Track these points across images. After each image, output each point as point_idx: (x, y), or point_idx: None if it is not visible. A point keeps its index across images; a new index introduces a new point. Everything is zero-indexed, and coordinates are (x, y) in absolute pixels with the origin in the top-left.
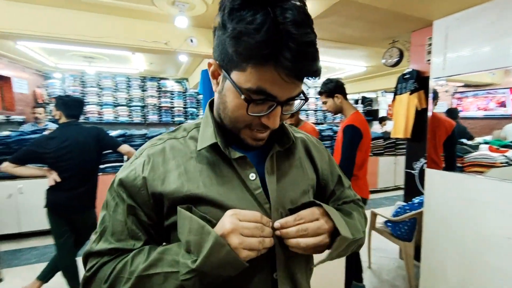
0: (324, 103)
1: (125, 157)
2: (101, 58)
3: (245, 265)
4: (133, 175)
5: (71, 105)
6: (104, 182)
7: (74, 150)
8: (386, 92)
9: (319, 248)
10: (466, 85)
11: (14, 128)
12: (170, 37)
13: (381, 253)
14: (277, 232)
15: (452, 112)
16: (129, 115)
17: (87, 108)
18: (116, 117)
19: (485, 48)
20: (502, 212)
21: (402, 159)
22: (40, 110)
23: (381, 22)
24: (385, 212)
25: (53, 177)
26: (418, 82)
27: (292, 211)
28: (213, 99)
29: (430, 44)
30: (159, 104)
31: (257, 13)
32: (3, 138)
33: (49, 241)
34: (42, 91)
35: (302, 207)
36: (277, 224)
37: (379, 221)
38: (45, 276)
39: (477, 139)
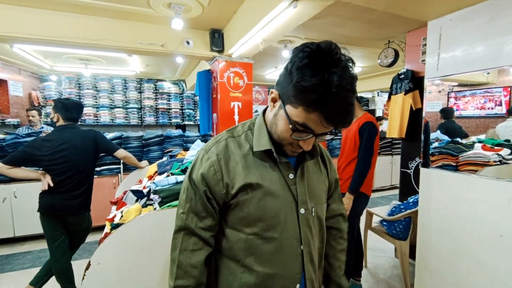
0: None
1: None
2: (97, 61)
3: None
4: (213, 170)
5: (70, 108)
6: (100, 185)
7: (71, 153)
8: (382, 92)
9: None
10: (461, 85)
11: (9, 131)
12: (166, 39)
13: (377, 252)
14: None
15: (446, 112)
16: (126, 117)
17: (84, 110)
18: (112, 119)
19: (479, 48)
20: (495, 210)
21: (398, 159)
22: (34, 112)
23: (377, 23)
24: (382, 211)
25: (47, 181)
26: (413, 82)
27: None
28: (266, 109)
29: (425, 45)
30: (156, 105)
31: (317, 75)
32: None
33: (44, 245)
34: (38, 94)
35: None
36: None
37: (375, 220)
38: (38, 281)
39: (472, 138)
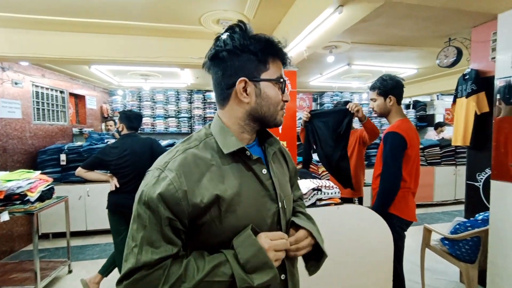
0: (373, 100)
1: None
2: (155, 75)
3: (277, 277)
4: (173, 188)
5: (132, 119)
6: None
7: (132, 158)
8: (443, 94)
9: (307, 254)
10: None
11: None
12: None
13: (437, 274)
14: (292, 247)
15: None
16: (178, 125)
17: (143, 120)
18: (166, 128)
19: None
20: None
21: (463, 169)
22: (111, 123)
23: (435, 20)
24: (443, 229)
25: (114, 183)
26: (477, 83)
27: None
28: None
29: (495, 40)
30: (204, 114)
31: (256, 35)
32: (76, 148)
33: (109, 239)
34: (107, 106)
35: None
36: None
37: (434, 238)
38: (105, 271)
39: None
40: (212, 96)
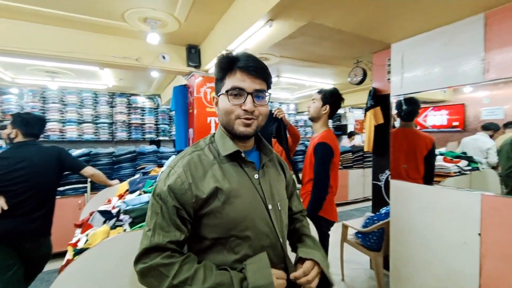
0: (313, 100)
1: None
2: (65, 73)
3: None
4: (180, 181)
5: (31, 123)
6: (63, 206)
7: (30, 171)
8: (353, 108)
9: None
10: (423, 102)
11: None
12: (141, 53)
13: (353, 265)
14: (302, 280)
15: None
16: (95, 132)
17: (48, 125)
18: (80, 135)
19: (436, 69)
20: (458, 218)
21: (370, 171)
22: (7, 130)
23: (347, 43)
24: (356, 223)
25: (0, 204)
26: (374, 99)
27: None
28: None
29: (389, 65)
30: (129, 120)
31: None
32: None
33: None
34: None
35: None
36: (292, 276)
37: (350, 232)
38: None
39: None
40: (138, 100)
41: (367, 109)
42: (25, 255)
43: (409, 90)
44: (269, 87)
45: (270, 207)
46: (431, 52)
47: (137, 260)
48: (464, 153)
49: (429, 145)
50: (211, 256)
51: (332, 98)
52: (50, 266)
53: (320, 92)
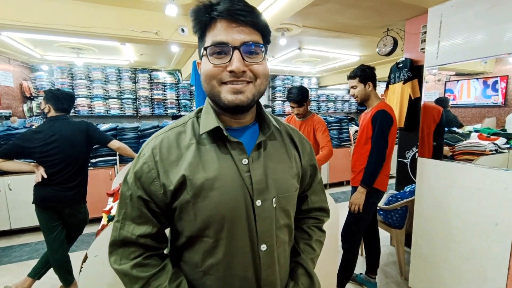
0: (354, 87)
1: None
2: (89, 49)
3: None
4: (147, 167)
5: (61, 99)
6: (95, 177)
7: (62, 145)
8: (379, 81)
9: None
10: (458, 74)
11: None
12: (160, 27)
13: None
14: None
15: (441, 101)
16: (121, 107)
17: (77, 101)
18: (107, 110)
19: (479, 36)
20: (490, 199)
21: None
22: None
23: (376, 10)
24: None
25: (40, 173)
26: (412, 71)
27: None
28: None
29: (424, 32)
30: (151, 96)
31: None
32: None
33: (41, 237)
34: (29, 84)
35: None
36: None
37: None
38: (36, 273)
39: (468, 127)
40: (159, 76)
41: (405, 81)
42: (66, 219)
43: (445, 60)
44: (265, 38)
45: (258, 203)
46: (473, 16)
47: (109, 253)
48: (504, 129)
49: (436, 118)
50: (187, 256)
51: (367, 73)
52: (88, 229)
53: (352, 77)
